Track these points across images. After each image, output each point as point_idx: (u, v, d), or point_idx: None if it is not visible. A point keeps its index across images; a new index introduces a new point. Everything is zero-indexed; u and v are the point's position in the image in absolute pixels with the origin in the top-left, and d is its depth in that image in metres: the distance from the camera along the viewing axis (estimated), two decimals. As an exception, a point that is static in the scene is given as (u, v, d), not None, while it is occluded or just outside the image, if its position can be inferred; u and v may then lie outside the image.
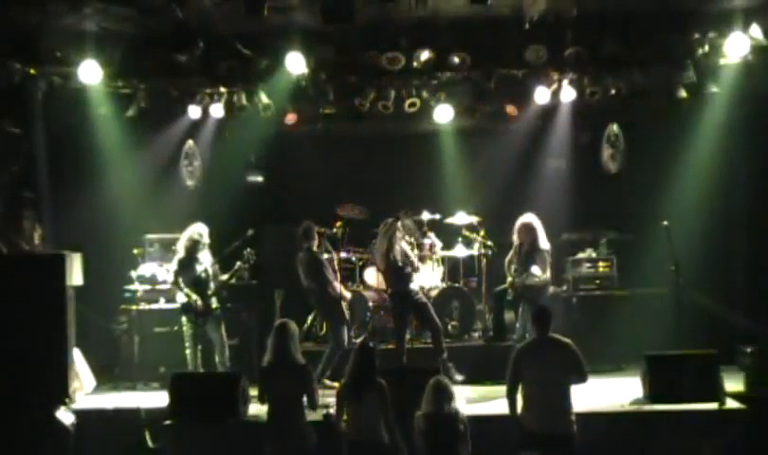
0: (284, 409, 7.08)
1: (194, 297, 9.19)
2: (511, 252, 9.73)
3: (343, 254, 10.94)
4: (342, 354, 9.22)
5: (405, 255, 9.47)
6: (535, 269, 9.31)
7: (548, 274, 9.53)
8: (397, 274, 9.43)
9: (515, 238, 9.62)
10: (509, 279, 9.64)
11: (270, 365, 7.14)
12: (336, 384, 9.15)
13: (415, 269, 9.54)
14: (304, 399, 7.11)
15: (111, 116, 10.55)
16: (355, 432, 6.88)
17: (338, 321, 9.72)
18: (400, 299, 9.50)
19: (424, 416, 6.70)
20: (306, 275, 9.70)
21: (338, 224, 11.02)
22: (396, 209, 10.94)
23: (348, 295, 10.17)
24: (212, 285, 9.32)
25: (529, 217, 9.58)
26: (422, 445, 6.72)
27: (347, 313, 9.98)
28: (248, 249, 9.56)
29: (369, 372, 6.93)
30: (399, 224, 9.62)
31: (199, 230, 9.36)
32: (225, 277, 9.41)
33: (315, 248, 9.77)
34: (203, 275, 9.28)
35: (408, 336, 9.82)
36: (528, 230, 9.47)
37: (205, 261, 9.34)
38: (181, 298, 9.27)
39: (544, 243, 9.49)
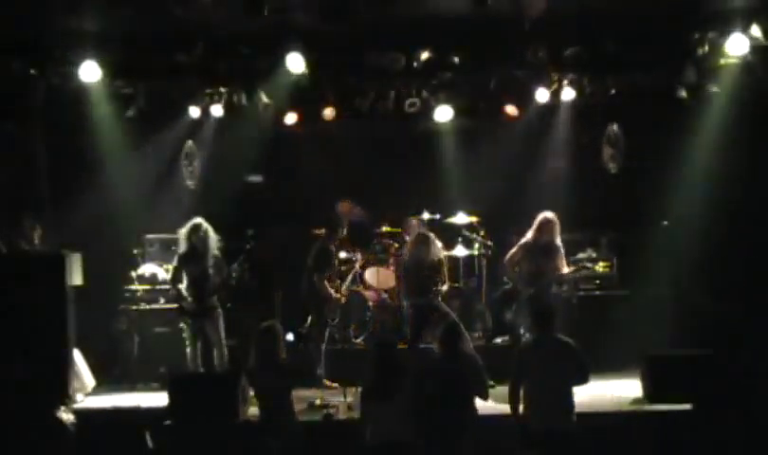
0: (272, 409, 7.10)
1: (189, 298, 9.18)
2: (516, 249, 9.48)
3: (343, 254, 10.94)
4: (326, 353, 9.47)
5: (432, 267, 9.49)
6: (565, 269, 9.31)
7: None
8: (416, 284, 9.50)
9: (532, 234, 9.39)
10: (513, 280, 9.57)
11: (257, 366, 7.16)
12: (335, 384, 9.17)
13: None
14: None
15: (111, 116, 10.55)
16: (379, 435, 6.72)
17: (320, 318, 9.80)
18: (415, 309, 9.58)
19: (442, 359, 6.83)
20: (311, 262, 9.79)
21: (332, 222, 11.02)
22: (397, 210, 11.00)
23: (335, 294, 10.12)
24: (213, 283, 9.28)
25: (551, 213, 9.43)
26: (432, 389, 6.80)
27: (337, 312, 10.02)
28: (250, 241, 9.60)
29: (396, 370, 6.87)
30: (429, 234, 9.69)
31: (199, 224, 9.31)
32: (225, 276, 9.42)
33: (332, 239, 9.96)
34: (203, 273, 9.25)
35: None
36: (552, 226, 9.35)
37: (209, 257, 9.31)
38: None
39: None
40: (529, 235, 9.41)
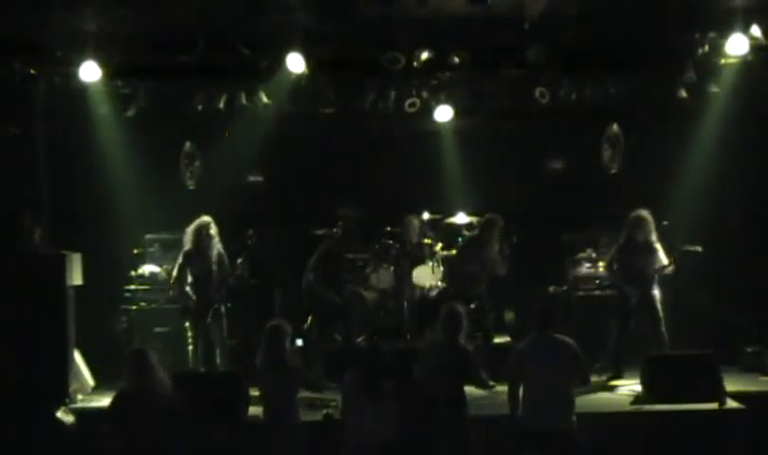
0: (277, 409, 7.10)
1: (193, 297, 9.19)
2: (612, 251, 9.56)
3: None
4: (323, 354, 9.46)
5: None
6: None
7: None
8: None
9: (627, 233, 9.41)
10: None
11: (264, 366, 7.16)
12: (335, 384, 9.16)
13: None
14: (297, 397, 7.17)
15: (111, 116, 10.56)
16: (362, 434, 6.78)
17: (319, 318, 9.80)
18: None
19: (439, 346, 6.83)
20: (314, 263, 9.83)
21: (339, 224, 11.02)
22: (397, 210, 10.98)
23: (334, 296, 10.13)
24: (217, 281, 9.29)
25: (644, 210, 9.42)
26: (431, 378, 6.80)
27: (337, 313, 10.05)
28: (249, 241, 9.62)
29: (382, 374, 6.89)
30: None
31: (206, 223, 9.32)
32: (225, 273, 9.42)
33: (341, 242, 10.10)
34: (207, 272, 9.25)
35: None
36: (648, 223, 9.34)
37: (212, 255, 9.31)
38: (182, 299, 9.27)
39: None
40: (626, 234, 9.39)
